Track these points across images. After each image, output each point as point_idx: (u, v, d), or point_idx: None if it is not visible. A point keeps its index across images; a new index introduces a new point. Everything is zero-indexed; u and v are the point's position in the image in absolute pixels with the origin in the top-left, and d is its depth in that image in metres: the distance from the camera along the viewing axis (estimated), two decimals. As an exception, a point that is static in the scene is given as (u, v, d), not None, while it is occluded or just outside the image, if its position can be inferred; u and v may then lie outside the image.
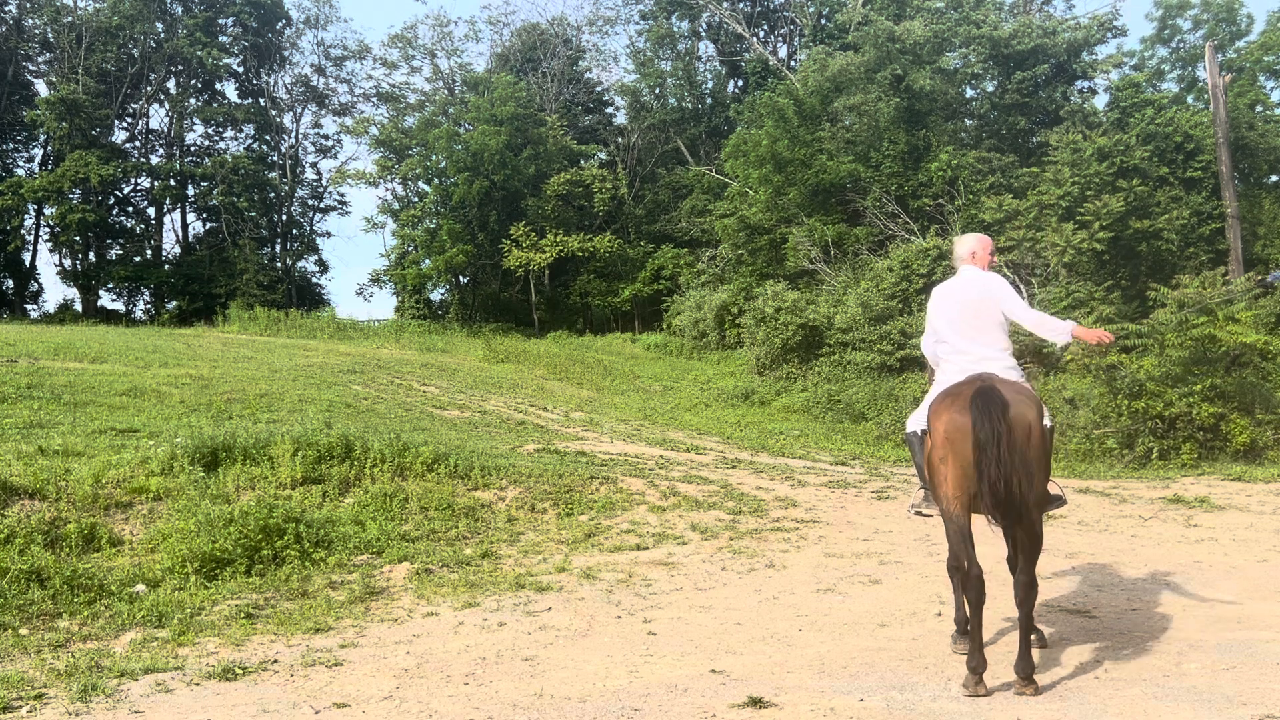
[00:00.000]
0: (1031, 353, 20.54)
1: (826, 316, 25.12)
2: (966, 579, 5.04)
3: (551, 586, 7.43)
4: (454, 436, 13.59)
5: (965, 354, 5.58)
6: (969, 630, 5.07)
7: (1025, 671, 4.94)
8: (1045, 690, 4.97)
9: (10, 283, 47.10)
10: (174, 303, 46.72)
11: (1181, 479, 12.50)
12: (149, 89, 49.98)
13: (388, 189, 49.50)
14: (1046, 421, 5.40)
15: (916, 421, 5.69)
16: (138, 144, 51.25)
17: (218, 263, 47.36)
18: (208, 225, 51.39)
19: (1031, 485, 5.01)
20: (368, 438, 10.54)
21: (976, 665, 4.94)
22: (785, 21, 47.88)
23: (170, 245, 51.04)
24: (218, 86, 52.16)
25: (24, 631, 6.19)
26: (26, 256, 47.29)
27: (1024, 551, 5.09)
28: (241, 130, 51.85)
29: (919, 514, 5.97)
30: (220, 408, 13.75)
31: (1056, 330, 5.55)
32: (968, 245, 5.93)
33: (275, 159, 52.19)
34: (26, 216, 46.25)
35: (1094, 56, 30.94)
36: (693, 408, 22.48)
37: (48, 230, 47.27)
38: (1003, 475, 4.84)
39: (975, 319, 5.59)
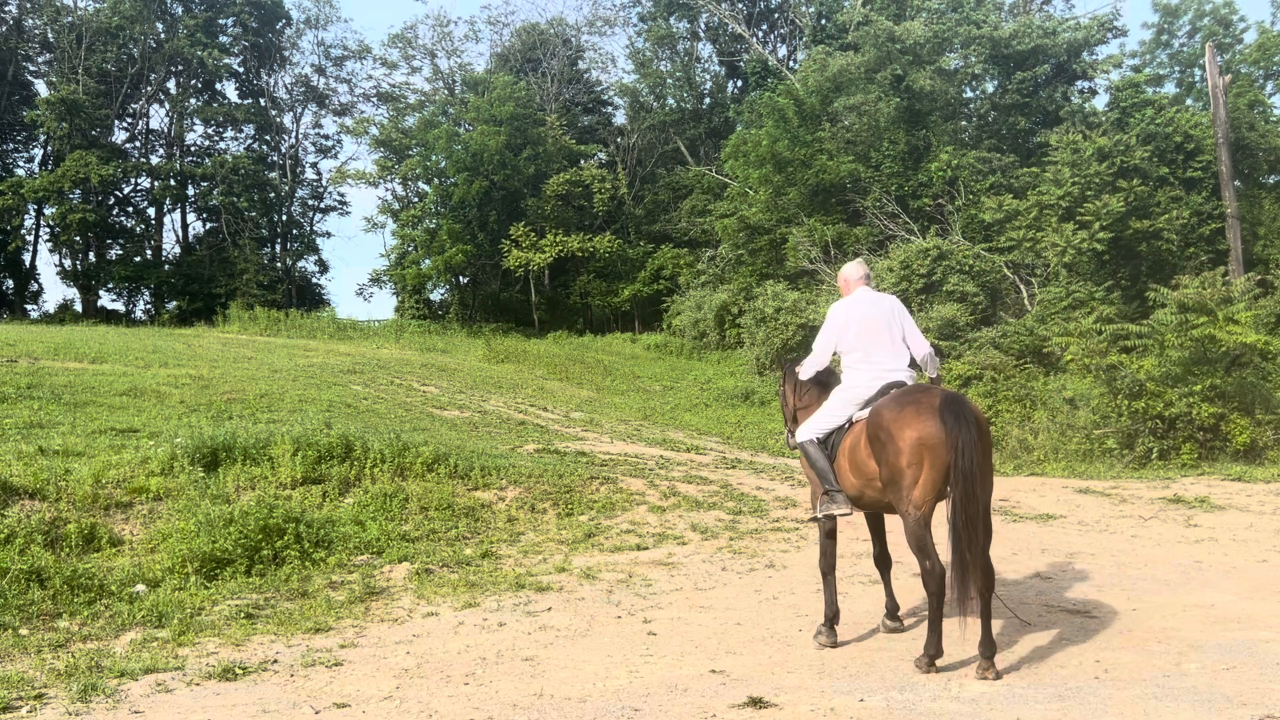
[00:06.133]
0: (1032, 353, 20.53)
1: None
2: (929, 575, 5.28)
3: (551, 586, 7.43)
4: (454, 436, 13.59)
5: (876, 364, 5.95)
6: (931, 622, 5.33)
7: (988, 652, 5.22)
8: (1045, 689, 4.97)
9: (10, 283, 47.07)
10: (174, 303, 46.68)
11: (1181, 479, 12.49)
12: (149, 89, 49.95)
13: (388, 189, 49.61)
14: None
15: (811, 431, 6.04)
16: (138, 144, 51.22)
17: (218, 263, 47.33)
18: (208, 225, 51.39)
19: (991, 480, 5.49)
20: (368, 438, 10.54)
21: (935, 652, 5.30)
22: (785, 22, 47.80)
23: (170, 245, 51.10)
24: (218, 86, 52.11)
25: (24, 631, 6.19)
26: (26, 256, 47.31)
27: (980, 540, 5.25)
28: (241, 130, 51.83)
29: (828, 516, 5.97)
30: (220, 408, 13.75)
31: (935, 365, 6.31)
32: (863, 269, 6.42)
33: (275, 159, 52.18)
34: (26, 216, 46.20)
35: (1094, 57, 30.95)
36: (693, 408, 22.46)
37: (48, 230, 47.26)
38: (978, 476, 5.18)
39: (887, 332, 6.04)
